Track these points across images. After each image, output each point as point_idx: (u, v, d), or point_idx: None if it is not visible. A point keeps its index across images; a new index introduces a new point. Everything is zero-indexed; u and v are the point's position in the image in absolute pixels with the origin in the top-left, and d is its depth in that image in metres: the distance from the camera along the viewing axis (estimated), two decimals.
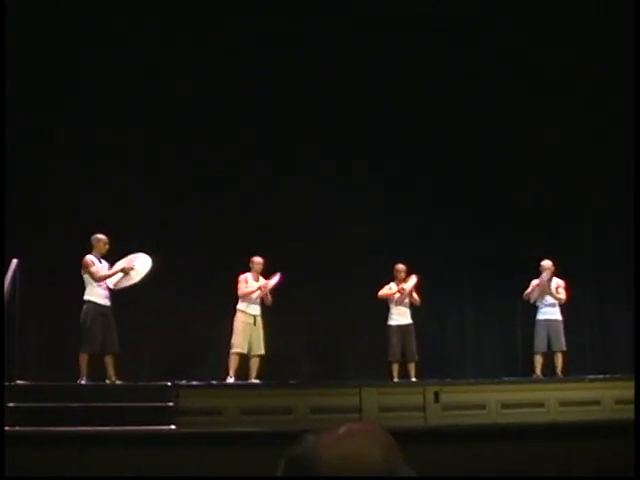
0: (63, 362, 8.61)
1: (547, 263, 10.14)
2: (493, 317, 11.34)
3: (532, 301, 10.20)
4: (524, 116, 11.17)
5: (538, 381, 9.69)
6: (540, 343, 10.04)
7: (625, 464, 6.65)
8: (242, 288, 9.38)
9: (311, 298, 10.45)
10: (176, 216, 10.26)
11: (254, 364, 9.20)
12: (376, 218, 10.65)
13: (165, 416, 7.82)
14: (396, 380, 9.74)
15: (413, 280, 9.97)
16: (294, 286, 9.68)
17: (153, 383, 8.57)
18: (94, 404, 7.83)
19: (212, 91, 10.49)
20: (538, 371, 9.99)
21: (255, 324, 9.28)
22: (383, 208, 10.78)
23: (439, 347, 10.89)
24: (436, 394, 8.63)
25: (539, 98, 11.19)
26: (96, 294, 8.57)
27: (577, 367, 10.19)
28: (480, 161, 11.29)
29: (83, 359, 8.42)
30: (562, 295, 10.14)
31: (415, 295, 9.97)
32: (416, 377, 9.78)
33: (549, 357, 10.04)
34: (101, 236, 8.73)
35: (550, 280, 10.11)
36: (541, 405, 8.95)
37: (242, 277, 9.42)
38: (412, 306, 10.00)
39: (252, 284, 9.40)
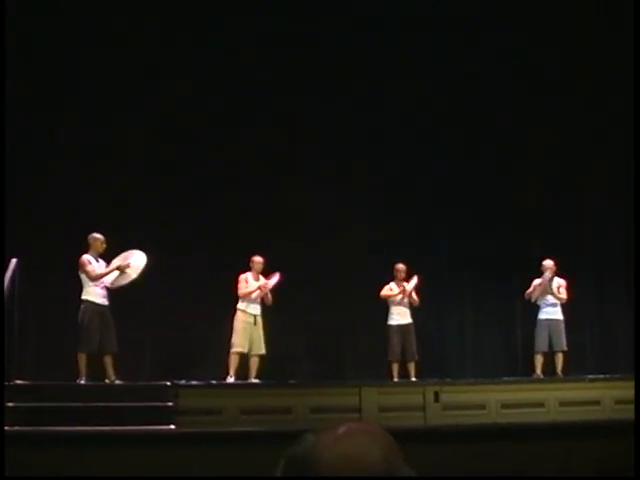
0: (62, 362, 8.61)
1: (549, 263, 10.14)
2: (493, 317, 11.33)
3: (533, 300, 10.20)
4: (524, 116, 11.17)
5: (538, 381, 9.69)
6: (541, 343, 10.04)
7: (625, 464, 6.65)
8: (242, 288, 9.38)
9: (311, 298, 10.45)
10: (176, 216, 10.26)
11: (254, 364, 9.21)
12: (376, 218, 10.65)
13: (165, 416, 7.82)
14: (396, 380, 9.74)
15: (414, 281, 9.98)
16: (294, 286, 9.68)
17: (153, 383, 8.56)
18: (93, 404, 7.82)
19: (212, 91, 10.49)
20: (538, 371, 9.98)
21: (255, 324, 9.28)
22: (383, 208, 10.78)
23: (439, 347, 10.89)
24: (436, 394, 8.63)
25: (539, 98, 11.20)
26: (93, 294, 8.56)
27: (577, 367, 10.19)
28: (480, 161, 11.29)
29: (81, 359, 8.42)
30: (563, 295, 10.14)
31: (414, 296, 9.97)
32: (416, 377, 9.78)
33: (550, 357, 10.04)
34: (98, 235, 8.73)
35: (551, 280, 10.12)
36: (541, 405, 8.95)
37: (242, 277, 9.42)
38: (411, 306, 10.01)
39: (252, 284, 9.40)
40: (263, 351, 9.25)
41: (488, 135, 11.34)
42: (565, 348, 10.00)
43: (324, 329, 10.74)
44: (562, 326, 10.09)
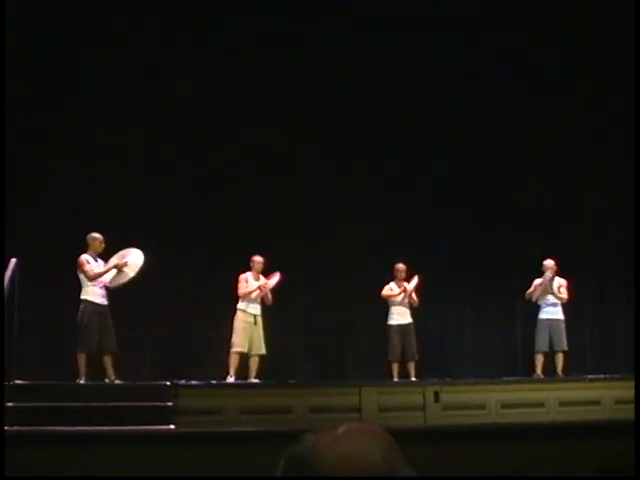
0: (62, 362, 8.61)
1: (549, 262, 10.14)
2: (493, 317, 11.33)
3: (534, 300, 10.20)
4: (524, 116, 11.17)
5: (538, 381, 9.69)
6: (542, 342, 10.04)
7: (625, 464, 6.65)
8: (242, 287, 9.37)
9: (311, 298, 10.45)
10: (176, 216, 10.26)
11: (254, 363, 9.21)
12: (376, 218, 10.65)
13: (164, 416, 7.82)
14: (396, 380, 9.74)
15: (415, 280, 9.98)
16: (294, 286, 9.68)
17: (152, 383, 8.56)
18: (93, 404, 7.82)
19: (212, 91, 10.49)
20: (539, 370, 9.98)
21: (255, 323, 9.28)
22: (383, 208, 10.78)
23: (439, 347, 10.89)
24: (436, 394, 8.63)
25: (539, 98, 11.20)
26: (92, 293, 8.56)
27: (577, 367, 10.19)
28: (480, 161, 11.29)
29: (81, 359, 8.41)
30: (564, 295, 10.14)
31: (414, 296, 9.97)
32: (416, 377, 9.78)
33: (550, 357, 10.04)
34: (97, 235, 8.73)
35: (552, 279, 10.12)
36: (541, 405, 8.95)
37: (242, 277, 9.42)
38: (411, 307, 10.01)
39: (252, 283, 9.40)
40: (263, 351, 9.25)
41: (488, 135, 11.34)
42: (566, 348, 10.00)
43: (324, 329, 10.74)
44: (563, 326, 10.09)
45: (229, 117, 10.56)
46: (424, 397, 8.62)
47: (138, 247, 8.87)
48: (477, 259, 11.04)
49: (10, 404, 7.43)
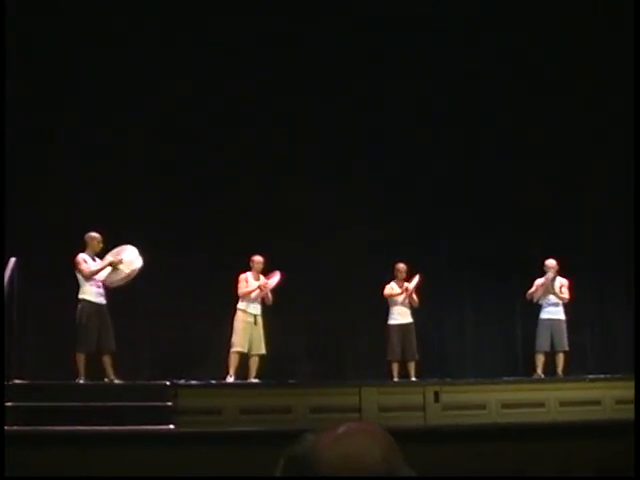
0: (61, 361, 8.60)
1: (552, 262, 10.14)
2: (493, 317, 11.33)
3: (535, 300, 10.20)
4: (524, 116, 11.17)
5: (538, 381, 9.68)
6: (543, 342, 10.03)
7: (625, 464, 6.64)
8: (242, 287, 9.37)
9: (311, 298, 10.44)
10: (176, 216, 10.25)
11: (253, 363, 9.20)
12: (376, 218, 10.65)
13: (164, 415, 7.82)
14: (396, 380, 9.74)
15: (416, 279, 9.97)
16: (294, 286, 9.67)
17: (152, 382, 8.55)
18: (92, 403, 7.82)
19: (212, 91, 10.49)
20: (539, 370, 9.98)
21: (256, 323, 9.27)
22: (383, 208, 10.78)
23: (439, 347, 10.89)
24: (436, 394, 8.63)
25: (539, 98, 11.19)
26: (90, 292, 8.55)
27: (578, 367, 10.19)
28: (480, 161, 11.29)
29: (80, 359, 8.40)
30: (566, 294, 10.14)
31: (414, 296, 9.96)
32: (416, 377, 9.77)
33: (551, 357, 10.04)
34: (95, 234, 8.72)
35: (554, 279, 10.12)
36: (541, 405, 8.95)
37: (242, 276, 9.41)
38: (411, 307, 10.01)
39: (252, 283, 9.40)
40: (263, 351, 9.25)
41: (488, 135, 11.34)
42: (567, 348, 10.00)
43: (324, 329, 10.74)
44: (564, 326, 10.08)
45: (229, 117, 10.56)
46: (424, 397, 8.62)
47: (138, 247, 8.86)
48: (477, 259, 11.04)
49: (10, 404, 7.43)
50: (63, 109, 10.04)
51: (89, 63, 10.14)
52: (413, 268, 10.03)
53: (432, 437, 7.84)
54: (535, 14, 11.01)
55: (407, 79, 10.92)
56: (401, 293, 9.96)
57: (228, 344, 9.20)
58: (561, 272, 10.17)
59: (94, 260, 8.70)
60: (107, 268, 8.64)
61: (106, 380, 8.48)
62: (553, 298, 10.13)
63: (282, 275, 9.43)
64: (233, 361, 9.15)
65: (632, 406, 8.38)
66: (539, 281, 10.17)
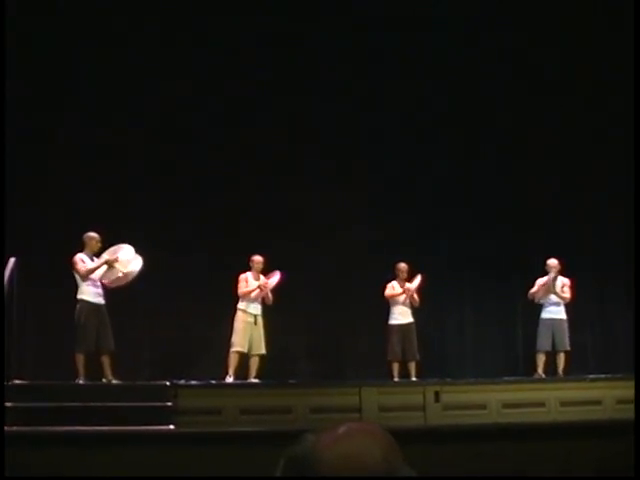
0: (61, 361, 8.60)
1: (553, 262, 10.14)
2: (493, 317, 11.33)
3: (537, 300, 10.19)
4: (524, 116, 11.17)
5: (539, 381, 9.68)
6: (544, 342, 10.03)
7: (625, 464, 6.64)
8: (242, 287, 9.37)
9: (311, 298, 10.45)
10: (176, 216, 10.26)
11: (253, 363, 9.20)
12: (376, 218, 10.65)
13: (164, 416, 7.81)
14: (396, 380, 9.73)
15: (418, 279, 9.97)
16: (294, 286, 9.67)
17: (152, 383, 8.55)
18: (92, 404, 7.81)
19: (212, 91, 10.49)
20: (540, 370, 9.98)
21: (256, 323, 9.27)
22: (383, 208, 10.78)
23: (439, 347, 10.88)
24: (436, 394, 8.62)
25: (539, 98, 11.20)
26: (88, 292, 8.54)
27: (578, 367, 10.18)
28: (480, 161, 11.29)
29: (79, 359, 8.40)
30: (567, 294, 10.14)
31: (415, 296, 9.96)
32: (416, 377, 9.77)
33: (552, 356, 10.04)
34: (93, 234, 8.71)
35: (556, 279, 10.12)
36: (542, 405, 8.95)
37: (242, 276, 9.41)
38: (412, 307, 10.01)
39: (252, 283, 9.40)
40: (263, 351, 9.24)
41: (488, 135, 11.34)
42: (568, 348, 10.00)
43: (324, 329, 10.74)
44: (565, 326, 10.08)
45: (229, 117, 10.57)
46: (424, 397, 8.62)
47: (138, 247, 8.86)
48: (477, 259, 11.04)
49: (9, 404, 7.43)
50: (63, 109, 10.05)
51: (89, 63, 10.14)
52: (413, 268, 10.03)
53: (432, 437, 7.84)
54: (535, 14, 11.01)
55: (407, 79, 10.92)
56: (402, 293, 9.96)
57: (228, 344, 9.20)
58: (562, 272, 10.17)
59: (92, 260, 8.69)
60: (103, 266, 8.63)
61: (104, 380, 8.47)
62: (554, 298, 10.13)
63: (282, 275, 9.43)
64: (233, 361, 9.15)
65: (632, 406, 8.37)
66: (541, 280, 10.17)
